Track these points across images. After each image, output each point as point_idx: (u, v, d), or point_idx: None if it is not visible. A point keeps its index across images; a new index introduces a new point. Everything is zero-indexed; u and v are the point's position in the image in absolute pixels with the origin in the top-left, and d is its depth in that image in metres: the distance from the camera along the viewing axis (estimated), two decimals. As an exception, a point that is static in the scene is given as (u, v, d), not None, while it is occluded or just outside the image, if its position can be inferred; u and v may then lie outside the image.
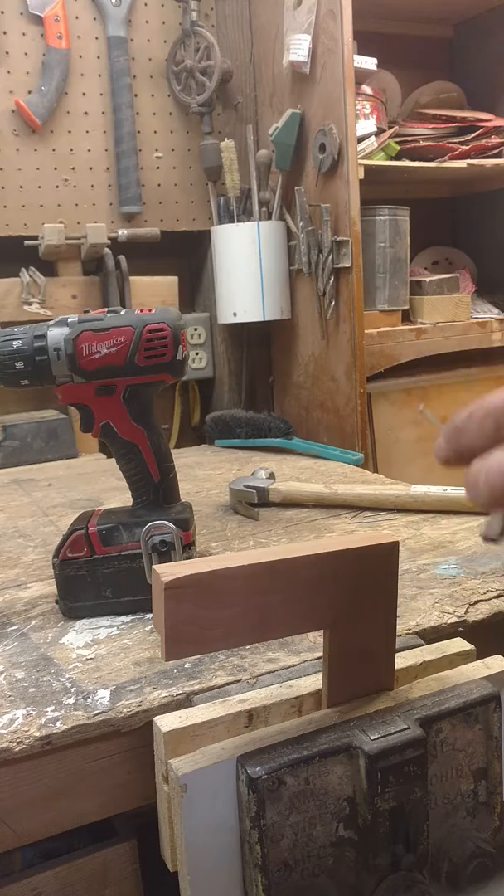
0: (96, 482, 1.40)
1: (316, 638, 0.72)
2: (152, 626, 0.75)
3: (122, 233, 1.77)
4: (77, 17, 1.74)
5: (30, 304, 1.68)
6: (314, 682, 0.61)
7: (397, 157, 1.77)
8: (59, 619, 0.80)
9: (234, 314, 1.79)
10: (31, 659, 0.72)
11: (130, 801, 0.63)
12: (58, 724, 0.61)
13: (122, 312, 0.78)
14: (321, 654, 0.59)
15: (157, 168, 1.86)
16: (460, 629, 0.74)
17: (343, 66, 1.54)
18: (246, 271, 1.76)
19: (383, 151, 1.74)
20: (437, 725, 0.56)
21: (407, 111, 2.01)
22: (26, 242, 1.69)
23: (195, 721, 0.56)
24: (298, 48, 1.62)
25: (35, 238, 1.70)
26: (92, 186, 1.80)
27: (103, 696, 0.64)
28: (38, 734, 0.60)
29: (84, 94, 1.77)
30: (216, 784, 0.53)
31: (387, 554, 0.56)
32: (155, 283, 1.82)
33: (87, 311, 0.80)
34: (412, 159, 1.78)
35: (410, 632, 0.72)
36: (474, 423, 0.46)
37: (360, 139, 1.66)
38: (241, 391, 1.98)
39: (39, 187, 1.75)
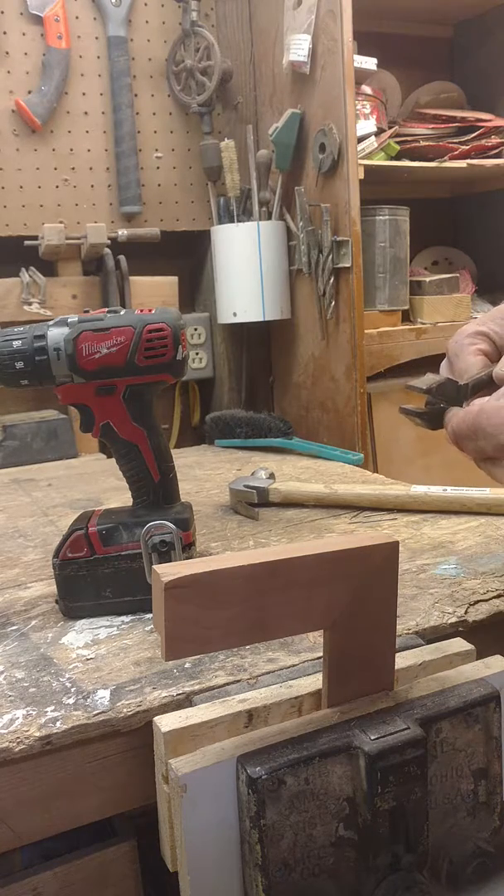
0: (96, 482, 1.40)
1: (316, 638, 0.72)
2: (152, 626, 0.75)
3: (122, 233, 1.77)
4: (77, 17, 1.74)
5: (30, 304, 1.68)
6: (314, 682, 0.61)
7: (397, 157, 1.77)
8: (59, 619, 0.80)
9: (234, 314, 1.79)
10: (31, 659, 0.72)
11: (130, 801, 0.63)
12: (58, 724, 0.61)
13: (122, 312, 0.78)
14: (321, 654, 0.59)
15: (157, 168, 1.86)
16: (460, 629, 0.74)
17: (343, 66, 1.54)
18: (246, 271, 1.76)
19: (383, 151, 1.74)
20: (437, 725, 0.56)
21: (407, 111, 2.01)
22: (26, 242, 1.69)
23: (195, 721, 0.56)
24: (298, 48, 1.62)
25: (35, 238, 1.70)
26: (92, 186, 1.80)
27: (103, 696, 0.64)
28: (38, 734, 0.60)
29: (84, 94, 1.77)
30: (216, 784, 0.53)
31: (387, 554, 0.56)
32: (155, 283, 1.82)
33: (87, 311, 0.80)
34: (412, 159, 1.79)
35: (410, 632, 0.72)
36: None
37: (360, 139, 1.66)
38: (241, 391, 1.98)
39: (39, 187, 1.75)
